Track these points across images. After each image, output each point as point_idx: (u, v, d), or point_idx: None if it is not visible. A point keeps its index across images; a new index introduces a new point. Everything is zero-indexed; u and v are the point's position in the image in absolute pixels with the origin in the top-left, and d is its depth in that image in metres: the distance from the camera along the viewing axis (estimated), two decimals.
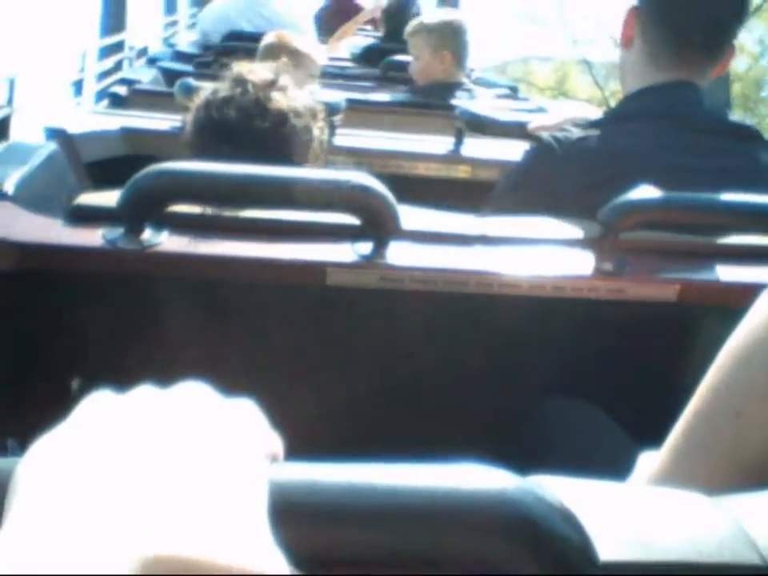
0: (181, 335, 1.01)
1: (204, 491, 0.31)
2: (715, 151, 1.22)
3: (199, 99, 1.21)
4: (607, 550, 0.42)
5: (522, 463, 0.46)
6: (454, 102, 2.34)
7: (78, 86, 4.96)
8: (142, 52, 5.38)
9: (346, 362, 1.07)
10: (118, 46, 5.95)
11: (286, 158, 1.15)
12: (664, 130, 1.22)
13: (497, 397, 1.07)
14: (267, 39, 2.38)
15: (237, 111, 1.15)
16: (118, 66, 5.59)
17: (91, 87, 5.16)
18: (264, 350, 1.05)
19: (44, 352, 0.99)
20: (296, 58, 2.09)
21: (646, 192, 1.00)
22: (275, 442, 0.37)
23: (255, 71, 1.21)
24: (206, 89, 1.23)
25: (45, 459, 0.31)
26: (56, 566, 0.27)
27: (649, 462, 0.62)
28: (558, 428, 0.99)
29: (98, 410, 0.34)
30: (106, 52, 5.86)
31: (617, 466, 0.65)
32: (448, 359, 1.07)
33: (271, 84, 1.19)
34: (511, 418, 1.01)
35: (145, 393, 0.36)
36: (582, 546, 0.37)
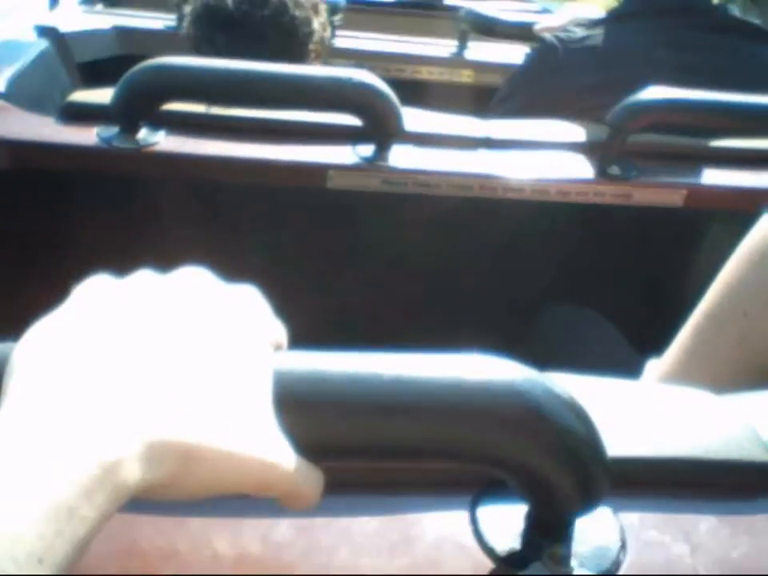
0: (178, 235, 1.00)
1: (207, 377, 0.30)
2: (718, 48, 1.19)
3: None
4: (615, 445, 0.41)
5: (525, 362, 0.45)
6: (457, 2, 2.26)
7: None
8: None
9: (347, 264, 1.06)
10: None
11: (285, 52, 1.11)
12: (667, 26, 1.19)
13: (500, 300, 1.07)
14: None
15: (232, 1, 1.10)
16: None
17: None
18: (264, 251, 1.04)
19: (40, 250, 0.98)
20: None
21: (654, 93, 0.97)
22: (279, 330, 0.36)
23: None
24: None
25: (41, 343, 0.30)
26: (58, 451, 0.26)
27: (655, 363, 0.61)
28: (562, 334, 0.99)
29: (95, 293, 0.33)
30: None
31: (619, 373, 0.65)
32: (451, 263, 1.06)
33: None
34: (516, 323, 1.00)
35: (144, 276, 0.35)
36: (591, 441, 0.36)
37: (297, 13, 1.12)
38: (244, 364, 0.32)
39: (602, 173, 0.99)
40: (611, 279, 1.06)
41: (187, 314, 0.32)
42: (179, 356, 0.30)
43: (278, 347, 0.35)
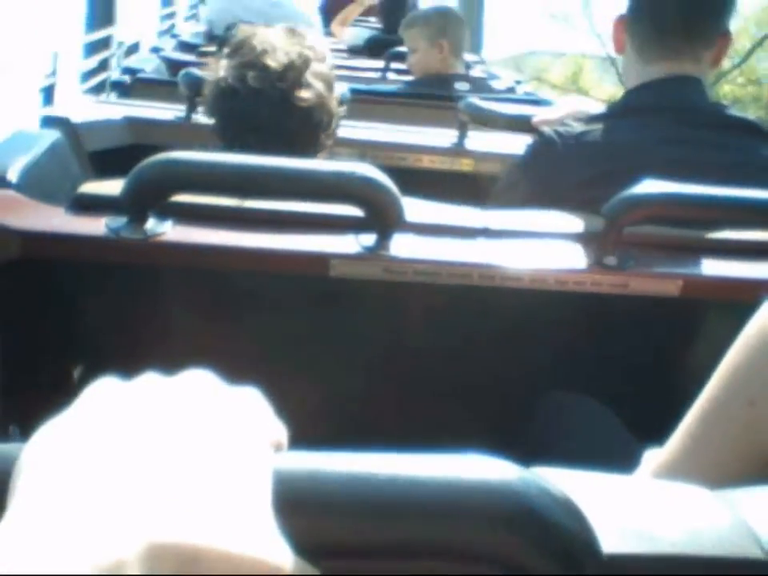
0: (183, 325, 1.01)
1: (208, 479, 0.31)
2: (717, 146, 1.21)
3: (216, 80, 1.19)
4: (611, 543, 0.42)
5: (525, 458, 0.46)
6: (458, 94, 2.33)
7: (48, 93, 4.66)
8: (133, 49, 5.13)
9: (349, 354, 1.07)
10: (104, 43, 5.62)
11: (305, 145, 1.16)
12: (664, 123, 1.22)
13: (500, 390, 1.08)
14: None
15: (265, 107, 1.14)
16: (103, 65, 5.30)
17: (72, 88, 4.94)
18: (267, 340, 1.05)
19: (47, 340, 0.99)
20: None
21: (649, 186, 1.00)
22: (279, 431, 0.37)
23: (272, 51, 1.17)
24: (219, 65, 1.20)
25: (49, 445, 0.31)
26: (61, 553, 0.27)
27: (656, 453, 0.62)
28: (560, 423, 0.99)
29: (103, 397, 0.34)
30: (92, 49, 5.51)
31: (619, 463, 0.65)
32: (451, 351, 1.07)
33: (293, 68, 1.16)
34: (514, 412, 1.01)
35: (149, 380, 0.36)
36: (585, 539, 0.37)
37: (322, 116, 1.16)
38: (244, 465, 0.33)
39: (599, 263, 1.01)
40: (610, 367, 1.07)
41: (190, 418, 0.33)
42: (180, 459, 0.31)
43: (278, 447, 0.36)
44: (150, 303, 1.01)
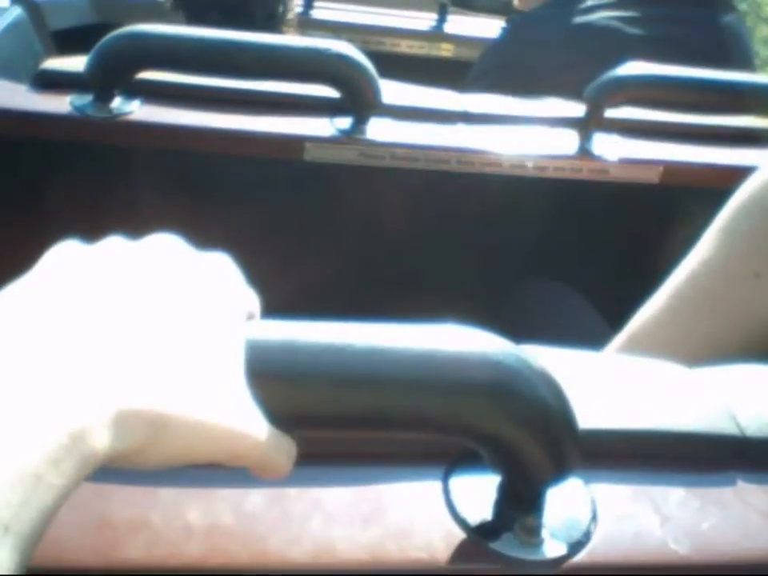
0: (152, 207, 0.99)
1: (179, 346, 0.30)
2: (693, 21, 1.21)
3: None
4: (587, 417, 0.42)
5: (501, 334, 0.45)
6: None
7: None
8: None
9: (324, 238, 1.05)
10: None
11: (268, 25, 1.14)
12: (637, 3, 1.20)
13: (477, 275, 1.07)
14: None
15: None
16: None
17: None
18: (239, 224, 1.03)
19: (12, 221, 0.97)
20: None
21: (631, 68, 0.97)
22: (252, 299, 0.36)
23: None
24: None
25: (9, 308, 0.29)
26: (25, 418, 0.26)
27: (630, 324, 0.61)
28: (535, 308, 0.99)
29: (65, 259, 0.32)
30: None
31: (591, 345, 0.65)
32: (428, 237, 1.06)
33: None
34: (490, 296, 1.01)
35: (114, 242, 0.34)
36: (562, 411, 0.36)
37: None
38: (215, 333, 0.32)
39: (580, 149, 0.99)
40: (588, 255, 1.06)
41: (157, 281, 0.32)
42: (149, 324, 0.30)
43: (250, 316, 0.35)
44: (117, 183, 0.98)
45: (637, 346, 0.58)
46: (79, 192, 0.98)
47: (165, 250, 0.34)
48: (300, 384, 0.33)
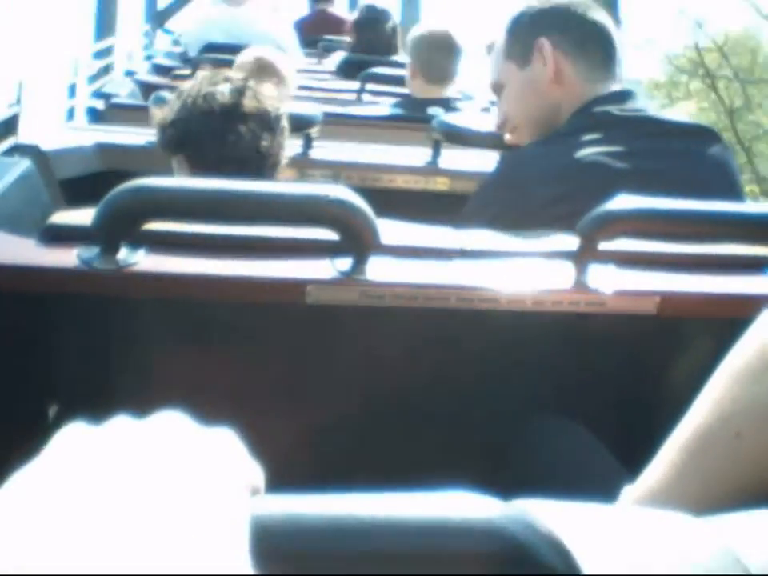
0: (158, 356, 1.00)
1: (183, 526, 0.30)
2: (678, 153, 1.26)
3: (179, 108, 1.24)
4: (596, 572, 0.41)
5: (509, 485, 0.45)
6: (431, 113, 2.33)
7: (72, 90, 4.95)
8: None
9: (327, 382, 1.06)
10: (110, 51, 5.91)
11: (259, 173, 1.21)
12: (620, 137, 1.25)
13: (481, 414, 1.07)
14: (244, 56, 2.36)
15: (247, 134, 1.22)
16: (108, 69, 5.55)
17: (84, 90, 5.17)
18: (243, 370, 1.04)
19: (19, 376, 0.98)
20: (272, 76, 2.08)
21: (623, 202, 1.00)
22: (256, 474, 0.36)
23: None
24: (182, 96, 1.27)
25: (21, 494, 0.30)
26: None
27: (639, 481, 0.61)
28: (543, 450, 0.98)
29: (74, 443, 0.33)
30: (101, 56, 5.85)
31: (603, 488, 0.64)
32: (431, 377, 1.06)
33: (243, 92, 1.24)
34: (497, 436, 1.00)
35: (122, 424, 0.35)
36: (569, 572, 0.36)
37: (270, 141, 1.20)
38: (219, 511, 0.32)
39: (576, 282, 1.01)
40: (592, 388, 1.06)
41: (163, 464, 0.32)
42: (152, 506, 0.30)
43: (255, 491, 0.35)
44: (124, 334, 1.00)
45: (654, 499, 0.58)
46: (85, 343, 0.99)
47: (170, 429, 0.35)
48: (305, 561, 0.33)
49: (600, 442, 0.97)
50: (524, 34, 1.38)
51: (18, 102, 4.96)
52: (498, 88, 1.44)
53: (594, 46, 1.37)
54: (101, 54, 5.76)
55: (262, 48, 2.46)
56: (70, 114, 4.48)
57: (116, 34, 6.40)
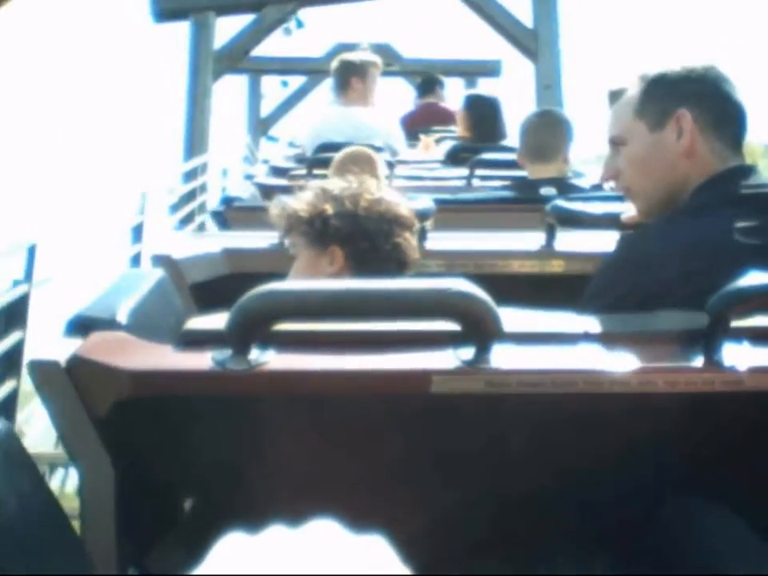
0: (290, 451, 1.02)
1: None
2: None
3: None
4: None
5: (648, 568, 0.44)
6: (545, 196, 2.33)
7: (137, 231, 5.11)
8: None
9: (453, 471, 1.05)
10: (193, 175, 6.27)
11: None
12: (744, 213, 1.22)
13: (616, 501, 1.03)
14: (340, 155, 2.44)
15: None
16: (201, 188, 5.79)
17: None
18: (371, 461, 1.05)
19: (160, 477, 1.01)
20: (365, 166, 2.15)
21: (753, 279, 0.97)
22: None
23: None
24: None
25: None
26: None
27: None
28: (686, 534, 0.95)
29: (236, 554, 0.34)
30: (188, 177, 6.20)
31: (747, 565, 0.62)
32: (561, 464, 1.04)
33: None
34: (634, 523, 0.97)
35: (279, 535, 0.36)
36: None
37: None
38: None
39: (709, 361, 0.98)
40: (730, 469, 1.02)
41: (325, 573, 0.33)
42: None
43: None
44: (257, 432, 1.03)
45: None
46: (221, 443, 1.03)
47: (323, 539, 0.36)
48: None
49: (744, 524, 0.92)
50: (663, 97, 1.33)
51: (142, 211, 5.27)
52: (618, 142, 1.39)
53: (730, 124, 1.33)
54: (189, 176, 6.11)
55: (357, 147, 2.55)
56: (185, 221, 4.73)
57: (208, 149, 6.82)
